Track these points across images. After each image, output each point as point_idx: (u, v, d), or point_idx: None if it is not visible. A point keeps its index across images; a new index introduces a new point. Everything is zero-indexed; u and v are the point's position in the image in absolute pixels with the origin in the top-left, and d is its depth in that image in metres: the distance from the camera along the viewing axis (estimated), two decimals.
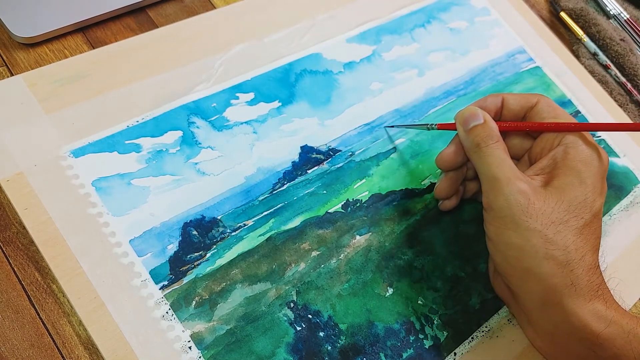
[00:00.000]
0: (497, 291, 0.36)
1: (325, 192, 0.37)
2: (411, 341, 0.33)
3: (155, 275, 0.30)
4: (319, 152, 0.38)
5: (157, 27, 0.40)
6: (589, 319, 0.30)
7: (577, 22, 0.55)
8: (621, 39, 0.54)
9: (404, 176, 0.39)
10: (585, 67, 0.52)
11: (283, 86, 0.39)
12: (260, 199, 0.35)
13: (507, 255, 0.32)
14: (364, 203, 0.37)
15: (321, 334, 0.32)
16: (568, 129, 0.33)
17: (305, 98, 0.39)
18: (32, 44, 0.36)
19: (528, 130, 0.35)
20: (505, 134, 0.35)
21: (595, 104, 0.49)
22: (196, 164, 0.35)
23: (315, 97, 0.40)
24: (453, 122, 0.35)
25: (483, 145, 0.32)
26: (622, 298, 0.32)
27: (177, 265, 0.31)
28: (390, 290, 0.34)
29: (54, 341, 0.29)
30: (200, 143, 0.35)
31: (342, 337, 0.32)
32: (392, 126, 0.41)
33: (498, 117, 0.36)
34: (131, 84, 0.36)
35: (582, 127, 0.33)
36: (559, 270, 0.30)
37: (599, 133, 0.47)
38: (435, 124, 0.37)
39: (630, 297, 0.40)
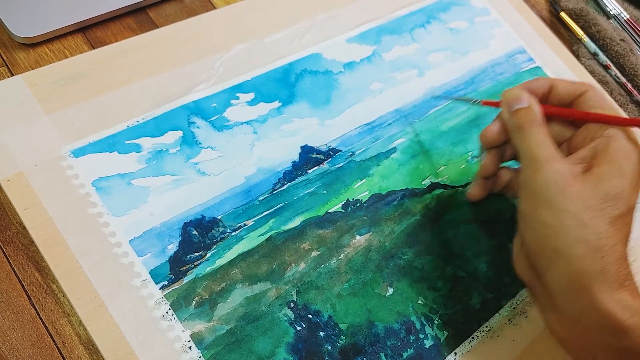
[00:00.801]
0: (518, 272, 0.35)
1: (325, 192, 0.37)
2: (411, 341, 0.33)
3: (155, 275, 0.30)
4: (319, 152, 0.38)
5: (157, 27, 0.40)
6: (615, 307, 0.29)
7: (577, 22, 0.55)
8: (621, 39, 0.54)
9: (404, 176, 0.39)
10: (585, 67, 0.52)
11: (283, 86, 0.39)
12: (260, 199, 0.35)
13: (539, 234, 0.31)
14: (364, 203, 0.37)
15: (321, 333, 0.32)
16: (614, 122, 0.33)
17: (305, 98, 0.39)
18: (32, 44, 0.36)
19: (572, 118, 0.35)
20: (548, 119, 0.35)
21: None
22: (196, 164, 0.35)
23: (316, 97, 0.40)
24: (498, 100, 0.36)
25: (526, 126, 0.33)
26: None
27: (177, 265, 0.31)
28: (391, 290, 0.34)
29: (54, 341, 0.29)
30: (200, 143, 0.35)
31: (342, 337, 0.32)
32: (438, 97, 0.43)
33: (544, 101, 0.36)
34: (131, 84, 0.36)
35: (629, 122, 0.33)
36: (590, 255, 0.30)
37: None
38: (480, 100, 0.38)
39: None
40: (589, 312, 0.30)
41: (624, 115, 0.50)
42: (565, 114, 0.35)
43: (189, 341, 0.29)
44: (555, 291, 0.32)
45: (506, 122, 0.35)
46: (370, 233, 0.36)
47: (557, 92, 0.36)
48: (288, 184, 0.36)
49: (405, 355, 0.33)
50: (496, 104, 0.36)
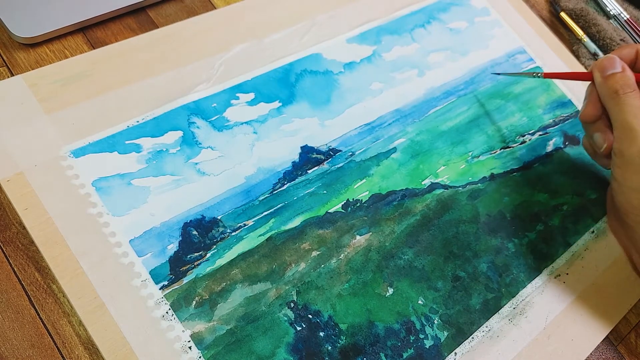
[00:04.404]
0: (611, 229, 0.39)
1: (325, 192, 0.37)
2: (411, 341, 0.33)
3: (155, 275, 0.30)
4: (319, 152, 0.38)
5: (157, 27, 0.40)
6: None
7: (577, 22, 0.55)
8: (621, 39, 0.54)
9: (404, 176, 0.39)
10: (586, 67, 0.52)
11: (283, 86, 0.39)
12: (260, 199, 0.35)
13: (631, 196, 0.35)
14: (364, 203, 0.37)
15: (321, 334, 0.32)
16: None
17: (305, 98, 0.39)
18: (32, 44, 0.36)
19: None
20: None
21: None
22: (196, 164, 0.35)
23: (316, 97, 0.40)
24: (559, 72, 0.38)
25: (621, 92, 0.34)
26: None
27: (177, 265, 0.31)
28: (391, 290, 0.34)
29: (54, 341, 0.29)
30: (200, 143, 0.35)
31: (342, 337, 0.32)
32: (499, 73, 0.44)
33: (632, 68, 0.37)
34: (131, 84, 0.36)
35: None
36: None
37: None
38: (541, 73, 0.40)
39: None
40: None
41: None
42: None
43: (189, 341, 0.29)
44: None
45: (599, 89, 0.36)
46: (370, 233, 0.36)
47: (637, 60, 0.37)
48: (288, 184, 0.36)
49: (405, 355, 0.33)
50: (556, 75, 0.39)
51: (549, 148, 0.44)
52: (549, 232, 0.40)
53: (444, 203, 0.39)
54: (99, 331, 0.28)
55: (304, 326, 0.32)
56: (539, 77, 0.40)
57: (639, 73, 0.36)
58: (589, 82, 0.38)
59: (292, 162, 0.37)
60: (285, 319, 0.32)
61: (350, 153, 0.39)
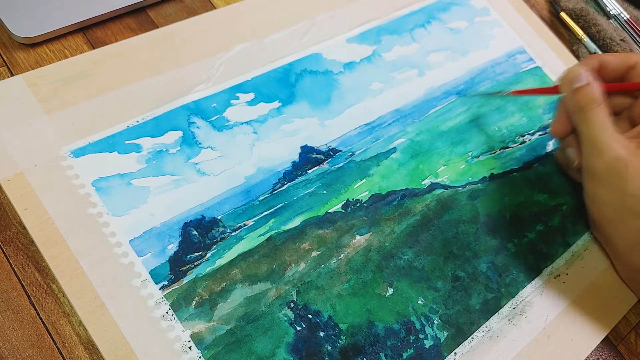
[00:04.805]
0: (593, 232, 0.40)
1: (325, 192, 0.37)
2: (411, 341, 0.33)
3: (155, 275, 0.30)
4: (319, 152, 0.38)
5: (157, 27, 0.40)
6: None
7: (577, 22, 0.55)
8: (621, 39, 0.54)
9: (404, 176, 0.39)
10: None
11: (283, 86, 0.39)
12: (260, 199, 0.35)
13: (603, 210, 0.35)
14: (364, 203, 0.37)
15: (321, 334, 0.32)
16: None
17: (305, 98, 0.39)
18: (32, 44, 0.36)
19: (627, 89, 0.37)
20: (607, 92, 0.36)
21: None
22: (196, 164, 0.35)
23: (316, 97, 0.40)
24: (525, 88, 0.38)
25: (587, 108, 0.34)
26: None
27: (177, 265, 0.31)
28: (391, 290, 0.34)
29: (54, 341, 0.29)
30: (200, 143, 0.35)
31: (342, 337, 0.32)
32: (466, 95, 0.43)
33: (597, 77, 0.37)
34: (131, 84, 0.36)
35: None
36: None
37: None
38: (509, 91, 0.40)
39: None
40: None
41: None
42: (622, 87, 0.36)
43: (189, 341, 0.29)
44: (620, 250, 0.36)
45: (567, 103, 0.36)
46: (370, 233, 0.36)
47: (608, 67, 0.37)
48: (288, 184, 0.36)
49: (405, 355, 0.33)
50: (523, 92, 0.39)
51: (549, 148, 0.44)
52: (549, 232, 0.40)
53: (444, 203, 0.39)
54: (99, 331, 0.28)
55: (304, 326, 0.32)
56: (507, 95, 0.40)
57: (606, 83, 0.36)
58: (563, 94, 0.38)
59: (292, 162, 0.37)
60: (285, 319, 0.32)
61: (350, 153, 0.39)
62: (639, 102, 0.37)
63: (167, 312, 0.30)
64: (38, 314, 0.29)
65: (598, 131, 0.34)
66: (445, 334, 0.34)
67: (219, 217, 0.33)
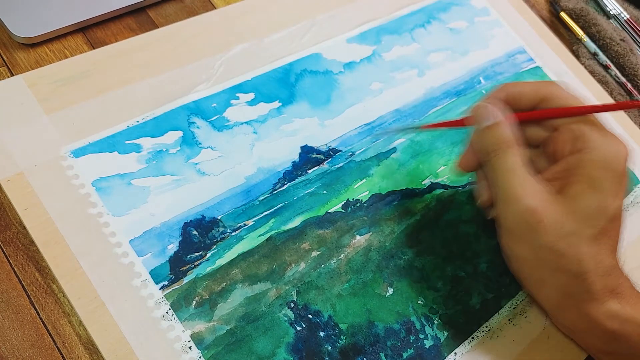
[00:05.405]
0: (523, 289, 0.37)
1: (325, 192, 0.37)
2: (411, 341, 0.33)
3: (155, 275, 0.30)
4: (319, 152, 0.38)
5: (157, 27, 0.40)
6: (603, 319, 0.30)
7: (577, 22, 0.55)
8: (621, 39, 0.54)
9: (404, 176, 0.39)
10: (585, 67, 0.52)
11: (283, 86, 0.39)
12: (260, 199, 0.35)
13: (519, 265, 0.32)
14: (364, 203, 0.37)
15: (321, 334, 0.32)
16: (578, 113, 0.32)
17: (305, 98, 0.39)
18: (32, 44, 0.36)
19: (541, 117, 0.33)
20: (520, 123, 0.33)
21: (596, 104, 0.49)
22: (196, 164, 0.35)
23: (316, 97, 0.40)
24: (434, 122, 0.36)
25: (493, 154, 0.31)
26: None
27: (177, 265, 0.31)
28: (391, 290, 0.34)
29: (54, 341, 0.29)
30: (200, 143, 0.35)
31: (342, 337, 0.32)
32: (379, 133, 0.40)
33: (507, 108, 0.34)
34: (131, 84, 0.36)
35: (590, 110, 0.32)
36: (572, 282, 0.30)
37: None
38: (419, 126, 0.39)
39: None
40: (579, 324, 0.32)
41: (626, 116, 0.50)
42: (535, 116, 0.33)
43: (189, 341, 0.29)
44: (546, 308, 0.34)
45: (474, 145, 0.33)
46: (370, 233, 0.36)
47: (522, 98, 0.33)
48: (288, 184, 0.36)
49: (405, 355, 0.33)
50: (433, 126, 0.37)
51: None
52: None
53: (444, 203, 0.39)
54: (99, 331, 0.28)
55: (304, 326, 0.32)
56: (417, 130, 0.38)
57: (519, 113, 0.33)
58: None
59: (292, 162, 0.37)
60: (285, 319, 0.32)
61: (350, 153, 0.39)
62: (556, 136, 0.32)
63: (167, 312, 0.30)
64: (38, 314, 0.29)
65: (507, 178, 0.30)
66: (446, 333, 0.34)
67: (219, 217, 0.33)
